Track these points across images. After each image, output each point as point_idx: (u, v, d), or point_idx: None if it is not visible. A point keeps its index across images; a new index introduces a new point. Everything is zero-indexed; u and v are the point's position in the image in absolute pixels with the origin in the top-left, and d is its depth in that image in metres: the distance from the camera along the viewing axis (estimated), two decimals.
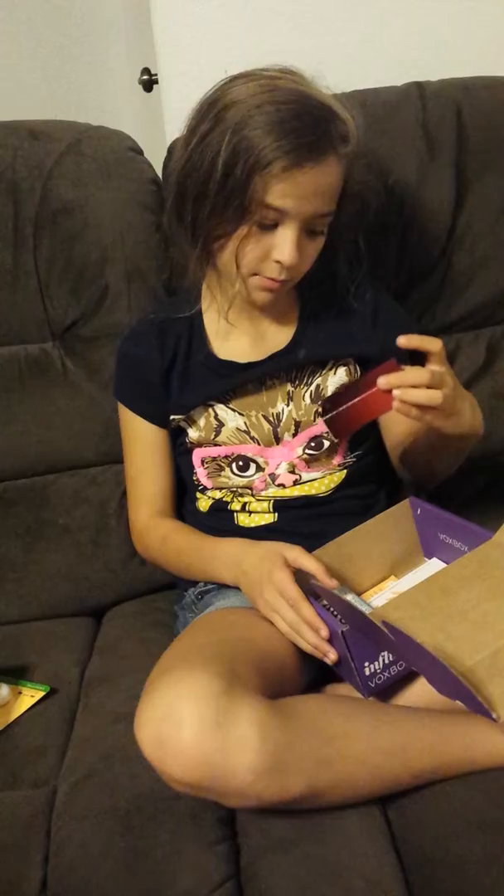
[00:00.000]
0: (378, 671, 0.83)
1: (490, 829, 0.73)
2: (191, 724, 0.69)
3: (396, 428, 1.04)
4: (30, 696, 0.97)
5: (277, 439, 1.01)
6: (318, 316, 1.03)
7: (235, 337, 1.02)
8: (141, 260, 1.12)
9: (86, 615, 1.18)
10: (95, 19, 1.76)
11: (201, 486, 1.05)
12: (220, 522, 1.04)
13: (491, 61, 1.29)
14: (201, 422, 1.01)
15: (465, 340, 1.25)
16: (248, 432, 1.01)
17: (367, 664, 0.82)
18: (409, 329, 0.85)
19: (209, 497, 1.05)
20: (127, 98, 1.75)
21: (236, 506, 1.03)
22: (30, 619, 1.16)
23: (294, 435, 1.01)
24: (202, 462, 1.03)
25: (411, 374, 0.80)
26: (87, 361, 1.15)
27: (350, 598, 0.91)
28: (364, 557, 0.95)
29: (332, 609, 0.87)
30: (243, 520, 1.03)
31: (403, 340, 0.81)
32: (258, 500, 1.02)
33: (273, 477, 1.02)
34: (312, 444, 1.02)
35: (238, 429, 1.01)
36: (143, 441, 1.06)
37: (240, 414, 1.01)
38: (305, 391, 1.01)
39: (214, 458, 1.02)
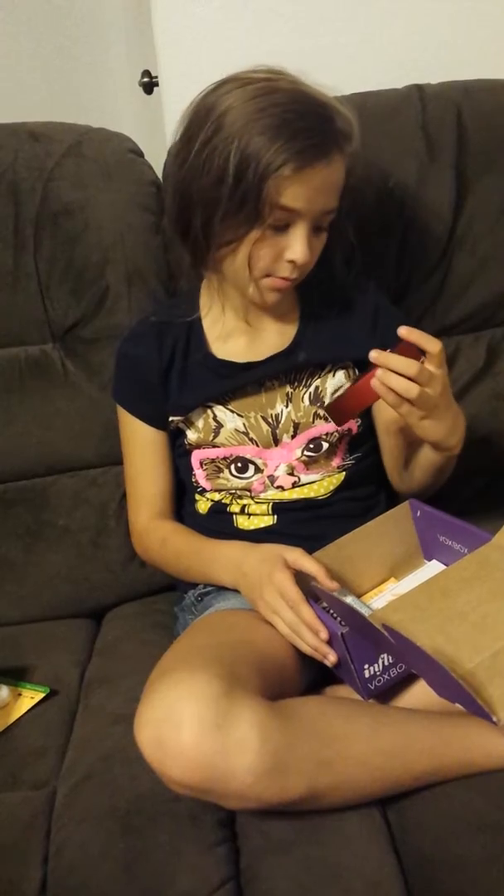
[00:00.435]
0: (378, 673, 0.83)
1: (490, 831, 0.73)
2: (191, 726, 0.69)
3: (381, 416, 1.04)
4: (29, 697, 0.97)
5: (276, 441, 1.01)
6: (318, 317, 1.03)
7: (235, 338, 1.02)
8: (141, 261, 1.13)
9: (86, 616, 1.18)
10: (96, 21, 1.76)
11: (200, 488, 1.05)
12: (219, 525, 1.04)
13: (491, 63, 1.29)
14: (200, 423, 1.01)
15: (466, 342, 1.25)
16: (246, 433, 1.01)
17: (366, 666, 0.82)
18: None
19: (208, 499, 1.05)
20: (127, 100, 1.75)
21: (235, 508, 1.03)
22: (30, 621, 1.16)
23: (293, 436, 1.01)
24: (201, 464, 1.04)
25: (401, 361, 0.81)
26: (87, 363, 1.15)
27: (350, 600, 0.91)
28: (364, 559, 0.95)
29: (331, 611, 0.87)
30: (242, 522, 1.03)
31: (405, 331, 0.82)
32: (257, 502, 1.02)
33: (272, 479, 1.02)
34: (311, 446, 1.02)
35: (237, 430, 1.01)
36: (142, 443, 1.06)
37: (238, 415, 1.01)
38: (304, 393, 1.01)
39: (213, 460, 1.02)
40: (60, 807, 0.81)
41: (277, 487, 1.02)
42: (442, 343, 0.83)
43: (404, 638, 0.72)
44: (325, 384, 1.01)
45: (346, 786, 0.75)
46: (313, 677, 0.89)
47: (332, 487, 1.03)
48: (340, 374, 1.02)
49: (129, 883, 0.72)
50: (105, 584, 1.18)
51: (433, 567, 0.97)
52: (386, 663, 0.83)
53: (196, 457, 1.04)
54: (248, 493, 1.03)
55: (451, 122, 1.17)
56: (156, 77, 1.34)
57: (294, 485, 1.02)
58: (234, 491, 1.03)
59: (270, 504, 1.02)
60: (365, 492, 1.06)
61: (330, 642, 0.83)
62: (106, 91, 1.80)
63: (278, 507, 1.02)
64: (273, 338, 1.02)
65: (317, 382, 1.01)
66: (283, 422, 1.01)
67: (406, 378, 0.81)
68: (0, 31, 1.72)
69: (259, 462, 1.02)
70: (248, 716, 0.70)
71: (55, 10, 1.74)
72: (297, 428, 1.01)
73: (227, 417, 1.01)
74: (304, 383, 1.01)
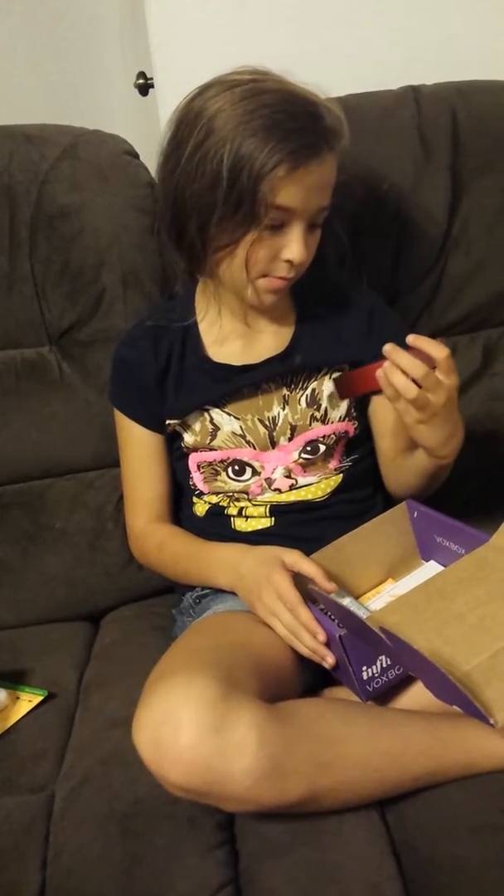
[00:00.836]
0: (376, 675, 0.83)
1: (489, 832, 0.73)
2: (189, 729, 0.69)
3: (376, 418, 1.06)
4: (27, 701, 0.97)
5: (273, 443, 1.01)
6: (314, 320, 1.03)
7: (231, 341, 1.02)
8: (137, 263, 1.12)
9: (83, 620, 1.18)
10: (91, 23, 1.75)
11: (198, 491, 1.05)
12: (216, 527, 1.03)
13: (487, 64, 1.29)
14: (196, 426, 1.01)
15: (462, 343, 1.25)
16: (243, 436, 1.01)
17: (364, 668, 0.82)
18: (404, 337, 0.85)
19: (206, 502, 1.05)
20: (122, 102, 1.74)
21: (233, 510, 1.03)
22: (27, 624, 1.16)
23: (290, 439, 1.01)
24: (198, 467, 1.03)
25: (409, 360, 0.82)
26: (83, 365, 1.14)
27: (347, 602, 0.91)
28: (362, 560, 0.95)
29: (329, 613, 0.87)
30: (240, 524, 1.03)
31: (412, 339, 0.84)
32: (255, 504, 1.02)
33: (269, 481, 1.02)
34: (308, 449, 1.02)
35: (234, 433, 1.01)
36: (139, 446, 1.05)
37: (235, 418, 1.01)
38: (301, 395, 1.01)
39: (210, 463, 1.02)
40: (59, 811, 0.80)
41: (275, 490, 1.02)
42: (448, 351, 0.84)
43: (402, 641, 0.73)
44: (322, 386, 1.01)
45: (345, 788, 0.75)
46: (311, 679, 0.89)
47: (329, 489, 1.03)
48: (337, 376, 1.02)
49: (128, 886, 0.72)
50: (102, 587, 1.18)
51: (431, 568, 0.97)
52: (384, 665, 0.83)
53: (193, 460, 1.04)
54: (246, 496, 1.03)
55: (447, 123, 1.17)
56: (151, 79, 1.35)
57: (291, 487, 1.02)
58: (231, 494, 1.03)
59: (268, 506, 1.02)
60: (362, 493, 1.06)
61: (328, 644, 0.83)
62: (101, 93, 1.79)
63: (276, 510, 1.02)
64: (269, 341, 1.02)
65: (313, 385, 1.01)
66: (279, 424, 1.01)
67: (410, 379, 0.82)
68: None
69: (256, 465, 1.02)
70: (246, 718, 0.70)
71: (50, 11, 1.73)
72: (293, 430, 1.01)
73: (224, 420, 1.01)
74: (300, 386, 1.01)
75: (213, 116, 0.85)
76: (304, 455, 1.02)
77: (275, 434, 1.01)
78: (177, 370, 1.02)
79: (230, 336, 1.02)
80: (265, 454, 1.01)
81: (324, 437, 1.02)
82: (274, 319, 1.02)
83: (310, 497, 1.03)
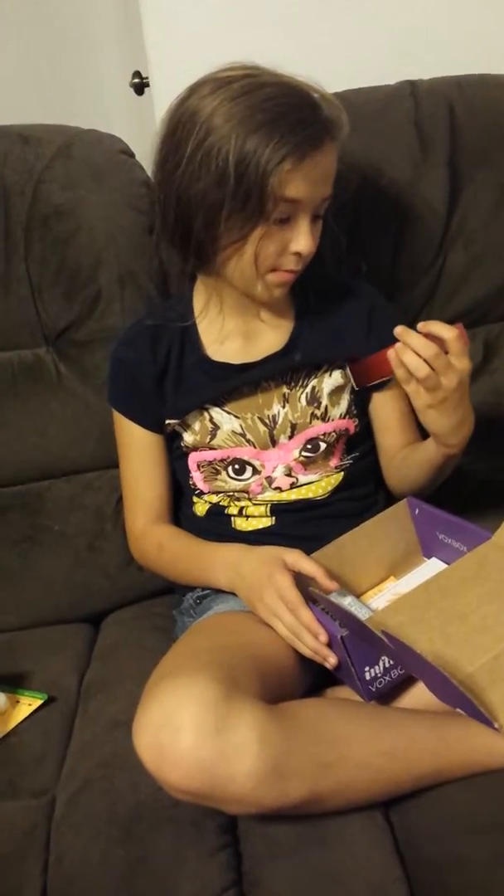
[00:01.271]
0: (379, 675, 0.82)
1: (493, 832, 0.73)
2: (190, 731, 0.68)
3: (377, 415, 1.06)
4: (27, 704, 0.96)
5: (273, 442, 1.00)
6: (313, 317, 1.02)
7: (230, 339, 1.01)
8: (133, 263, 1.12)
9: (83, 621, 1.18)
10: (86, 23, 1.75)
11: (198, 491, 1.05)
12: (217, 527, 1.03)
13: (484, 58, 1.29)
14: (196, 425, 1.01)
15: None
16: (243, 435, 1.00)
17: (367, 668, 0.82)
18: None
19: (206, 501, 1.04)
20: (118, 101, 1.74)
21: (233, 510, 1.03)
22: (27, 627, 1.16)
23: (290, 437, 1.00)
24: (198, 466, 1.03)
25: (420, 340, 0.84)
26: (81, 366, 1.14)
27: (349, 600, 0.91)
28: (363, 559, 0.95)
29: (331, 614, 0.86)
30: (240, 524, 1.02)
31: (422, 325, 0.85)
32: (255, 503, 1.02)
33: (270, 480, 1.01)
34: (309, 447, 1.01)
35: (234, 432, 1.00)
36: (138, 447, 1.05)
37: (235, 416, 1.00)
38: (301, 393, 1.00)
39: (210, 462, 1.02)
40: (60, 815, 0.80)
41: (275, 488, 1.02)
42: (459, 332, 0.84)
43: (404, 644, 0.72)
44: (322, 384, 1.01)
45: (348, 788, 0.74)
46: (313, 679, 0.89)
47: (330, 488, 1.03)
48: (337, 374, 1.01)
49: (131, 891, 0.72)
50: (102, 589, 1.17)
51: (433, 565, 0.96)
52: (387, 665, 0.83)
53: (193, 459, 1.03)
54: (246, 495, 1.02)
55: (445, 117, 1.17)
56: (146, 78, 1.34)
57: (292, 485, 1.02)
58: (231, 493, 1.03)
59: (269, 505, 1.02)
60: (363, 491, 1.06)
61: (330, 645, 0.83)
62: (97, 92, 1.80)
63: (277, 508, 1.02)
64: (269, 339, 1.02)
65: (313, 382, 1.01)
66: (280, 423, 1.00)
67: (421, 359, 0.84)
68: None
69: (256, 463, 1.01)
70: (247, 719, 0.69)
71: (45, 11, 1.73)
72: (294, 428, 1.00)
73: (224, 419, 1.00)
74: (300, 384, 1.01)
75: (212, 114, 0.85)
76: (304, 453, 1.01)
77: (275, 432, 1.00)
78: (175, 370, 1.01)
79: (230, 335, 1.01)
80: (265, 453, 1.01)
81: (324, 434, 1.01)
82: (273, 317, 1.02)
83: (310, 495, 1.02)
